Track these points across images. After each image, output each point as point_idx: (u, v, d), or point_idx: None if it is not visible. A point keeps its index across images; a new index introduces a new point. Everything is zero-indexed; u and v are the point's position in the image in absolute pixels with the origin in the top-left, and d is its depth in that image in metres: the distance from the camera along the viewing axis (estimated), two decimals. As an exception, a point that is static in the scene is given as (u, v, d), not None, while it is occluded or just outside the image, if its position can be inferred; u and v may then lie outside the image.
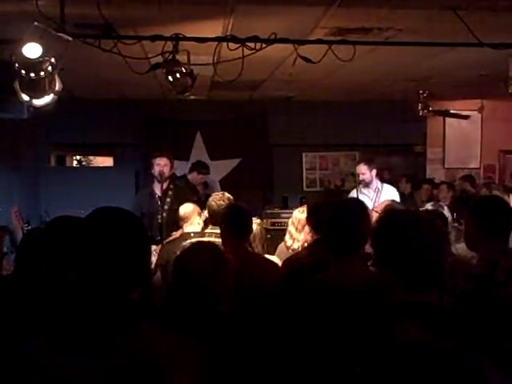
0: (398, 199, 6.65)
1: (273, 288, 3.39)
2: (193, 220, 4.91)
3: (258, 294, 3.34)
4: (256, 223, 4.43)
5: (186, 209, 5.00)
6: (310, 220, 3.89)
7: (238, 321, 2.44)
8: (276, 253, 4.53)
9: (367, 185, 6.69)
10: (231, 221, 3.68)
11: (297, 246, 4.29)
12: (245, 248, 3.75)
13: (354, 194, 6.87)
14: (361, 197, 6.59)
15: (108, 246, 1.66)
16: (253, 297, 3.26)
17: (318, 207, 3.78)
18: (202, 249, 2.59)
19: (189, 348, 1.68)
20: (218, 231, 3.96)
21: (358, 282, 2.50)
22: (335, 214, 2.79)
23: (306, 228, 4.12)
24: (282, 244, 4.55)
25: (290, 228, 4.47)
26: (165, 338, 1.66)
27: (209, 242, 2.94)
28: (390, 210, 3.85)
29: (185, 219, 4.95)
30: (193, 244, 2.85)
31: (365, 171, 6.66)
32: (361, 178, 6.70)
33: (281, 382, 2.45)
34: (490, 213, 3.04)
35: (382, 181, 6.97)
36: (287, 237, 4.48)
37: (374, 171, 6.71)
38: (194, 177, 7.87)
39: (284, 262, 3.83)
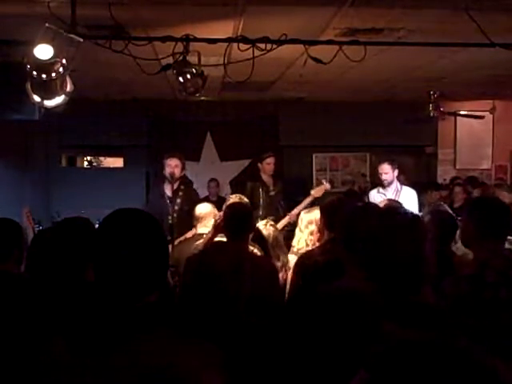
0: (416, 201, 6.63)
1: (272, 287, 3.39)
2: (207, 222, 4.76)
3: (258, 293, 3.31)
4: (265, 227, 4.39)
5: (203, 209, 4.89)
6: (325, 220, 3.81)
7: (257, 322, 2.43)
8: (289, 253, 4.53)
9: (389, 184, 6.67)
10: (228, 220, 3.72)
11: (301, 245, 4.29)
12: (243, 247, 3.64)
13: (372, 193, 6.85)
14: (378, 196, 6.58)
15: (127, 246, 1.65)
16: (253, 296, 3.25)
17: (333, 208, 3.74)
18: (223, 250, 2.56)
19: (211, 353, 1.66)
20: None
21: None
22: (353, 218, 2.77)
23: (310, 226, 4.09)
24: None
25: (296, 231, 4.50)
26: (186, 344, 1.65)
27: (230, 243, 2.90)
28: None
29: (199, 219, 4.85)
30: (214, 245, 2.81)
31: (388, 171, 6.65)
32: (383, 178, 6.69)
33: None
34: (485, 213, 3.08)
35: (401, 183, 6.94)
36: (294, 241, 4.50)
37: (396, 172, 6.71)
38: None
39: (298, 259, 3.84)
